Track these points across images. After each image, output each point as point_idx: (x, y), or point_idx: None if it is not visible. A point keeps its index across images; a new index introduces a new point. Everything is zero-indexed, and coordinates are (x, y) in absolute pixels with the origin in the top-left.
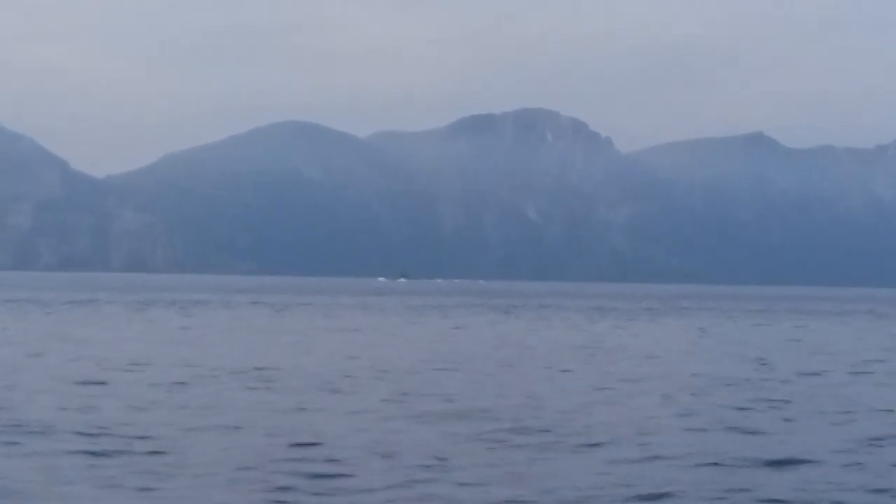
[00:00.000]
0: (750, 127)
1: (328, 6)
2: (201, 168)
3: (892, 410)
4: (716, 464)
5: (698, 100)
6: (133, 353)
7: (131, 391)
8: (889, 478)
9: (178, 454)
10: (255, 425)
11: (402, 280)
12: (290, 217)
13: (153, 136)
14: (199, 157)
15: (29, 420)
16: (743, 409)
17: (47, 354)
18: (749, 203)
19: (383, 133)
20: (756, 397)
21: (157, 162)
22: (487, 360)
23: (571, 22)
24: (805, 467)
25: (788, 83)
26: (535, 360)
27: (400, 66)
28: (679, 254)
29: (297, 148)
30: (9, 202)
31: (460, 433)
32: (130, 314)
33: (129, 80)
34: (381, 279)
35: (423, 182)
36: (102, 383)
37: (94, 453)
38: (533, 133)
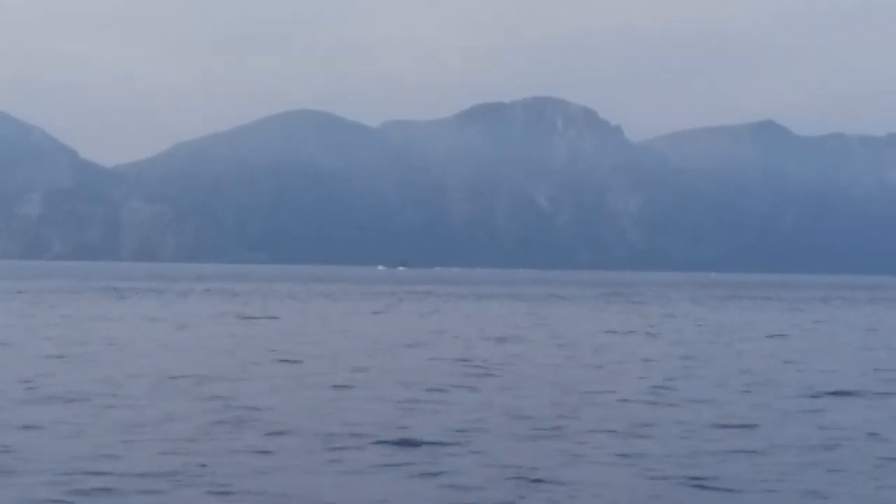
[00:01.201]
0: (761, 115)
1: None
2: (212, 157)
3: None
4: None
5: (709, 88)
6: None
7: None
8: None
9: None
10: None
11: (401, 268)
12: (300, 206)
13: (164, 125)
14: (210, 145)
15: None
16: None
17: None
18: (760, 191)
19: (394, 122)
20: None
21: (167, 151)
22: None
23: (581, 10)
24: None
25: (799, 71)
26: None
27: (411, 55)
28: (690, 242)
29: (309, 137)
30: (19, 192)
31: None
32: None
33: (140, 68)
34: (381, 267)
35: (434, 171)
36: None
37: None
38: (543, 121)
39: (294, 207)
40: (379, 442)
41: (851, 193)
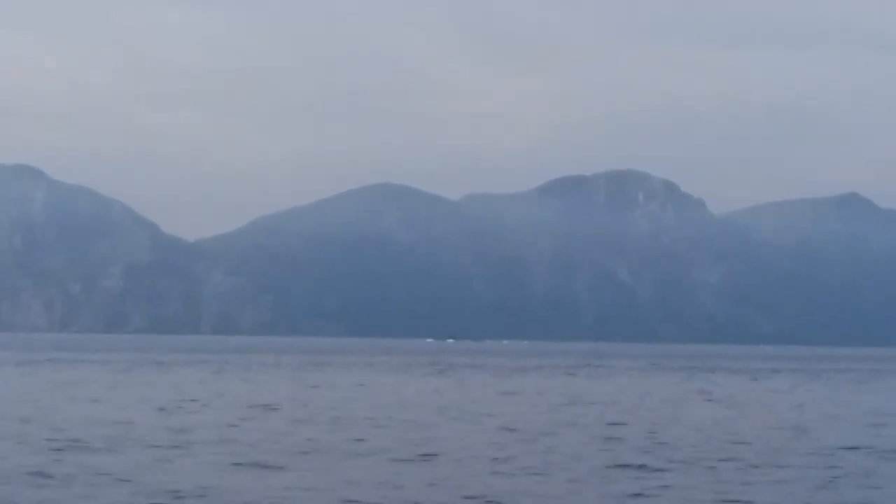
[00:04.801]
0: (844, 187)
1: (419, 66)
2: (291, 231)
3: None
4: None
5: (792, 160)
6: None
7: None
8: None
9: None
10: None
11: (450, 341)
12: (379, 280)
13: (245, 199)
14: (290, 219)
15: None
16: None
17: None
18: (842, 264)
19: (475, 195)
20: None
21: (247, 225)
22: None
23: (662, 83)
24: None
25: (884, 143)
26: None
27: (491, 127)
28: (771, 315)
29: (388, 210)
30: (100, 265)
31: None
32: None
33: (221, 142)
34: (430, 340)
35: (514, 244)
36: None
37: None
38: (624, 194)
39: (371, 281)
40: None
41: None
